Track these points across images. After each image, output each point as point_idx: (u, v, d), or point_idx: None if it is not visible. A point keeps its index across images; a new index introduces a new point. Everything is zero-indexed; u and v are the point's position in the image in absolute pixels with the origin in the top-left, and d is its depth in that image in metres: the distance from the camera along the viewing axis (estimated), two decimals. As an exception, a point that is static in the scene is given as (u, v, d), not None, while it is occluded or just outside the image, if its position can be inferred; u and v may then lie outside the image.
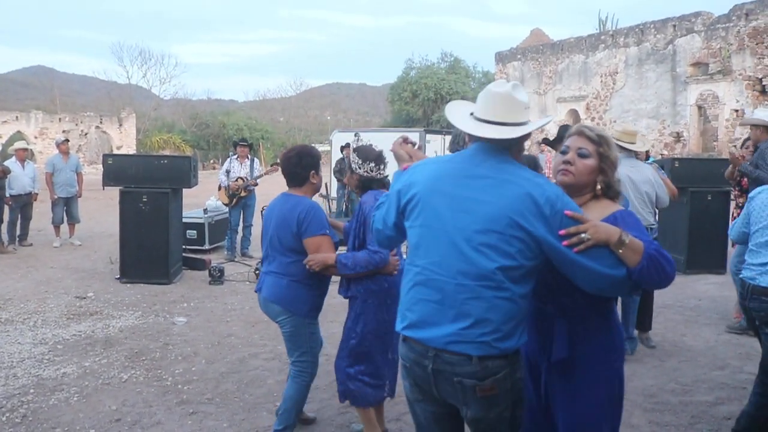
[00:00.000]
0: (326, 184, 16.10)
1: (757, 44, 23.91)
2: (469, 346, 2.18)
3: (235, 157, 10.60)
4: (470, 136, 2.35)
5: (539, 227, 2.16)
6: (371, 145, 4.01)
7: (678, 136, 26.83)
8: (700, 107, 26.25)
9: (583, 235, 2.16)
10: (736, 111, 24.49)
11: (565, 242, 2.16)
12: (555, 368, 2.42)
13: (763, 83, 23.81)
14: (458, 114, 2.40)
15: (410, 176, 2.40)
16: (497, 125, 2.27)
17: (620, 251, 2.19)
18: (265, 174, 11.13)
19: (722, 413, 4.38)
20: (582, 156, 2.43)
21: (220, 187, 10.49)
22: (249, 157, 10.69)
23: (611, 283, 2.22)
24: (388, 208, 2.48)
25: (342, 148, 14.54)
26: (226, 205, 10.48)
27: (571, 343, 2.38)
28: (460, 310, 2.19)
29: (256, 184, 10.68)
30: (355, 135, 13.68)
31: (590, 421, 2.40)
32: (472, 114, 2.36)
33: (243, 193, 10.35)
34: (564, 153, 2.47)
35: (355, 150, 3.86)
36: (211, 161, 45.22)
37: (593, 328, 2.42)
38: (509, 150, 2.32)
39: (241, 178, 10.34)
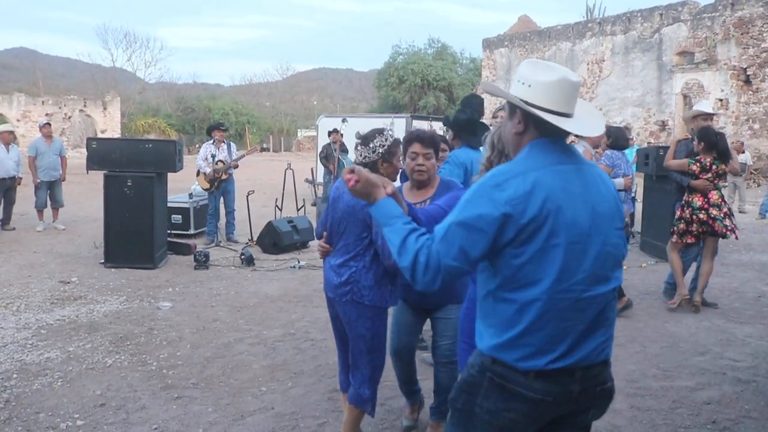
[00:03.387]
0: (312, 170, 16.08)
1: (742, 34, 24.05)
2: (607, 351, 2.13)
3: (212, 142, 10.54)
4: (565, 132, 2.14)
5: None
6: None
7: (663, 125, 27.00)
8: (685, 96, 26.40)
9: None
10: (721, 100, 24.66)
11: None
12: None
13: (748, 73, 23.99)
14: (544, 114, 2.08)
15: (516, 191, 1.99)
16: (570, 117, 2.13)
17: None
18: (247, 154, 11.06)
19: (702, 398, 4.44)
20: None
21: (198, 173, 10.42)
22: (225, 141, 10.63)
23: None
24: (472, 240, 2.00)
25: (329, 134, 14.48)
26: (205, 190, 10.41)
27: None
28: (602, 318, 2.09)
29: (237, 166, 10.64)
30: (343, 120, 13.62)
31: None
32: (526, 102, 2.09)
33: (224, 176, 10.31)
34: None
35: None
36: (197, 145, 44.85)
37: None
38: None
39: (221, 161, 10.30)
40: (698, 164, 6.53)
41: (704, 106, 7.27)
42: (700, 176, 6.53)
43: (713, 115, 7.34)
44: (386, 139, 3.37)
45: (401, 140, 3.52)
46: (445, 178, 3.72)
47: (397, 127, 16.02)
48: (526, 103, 2.08)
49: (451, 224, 2.03)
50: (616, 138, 6.81)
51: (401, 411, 4.18)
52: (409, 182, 3.66)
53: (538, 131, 2.11)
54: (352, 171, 2.25)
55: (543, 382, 2.04)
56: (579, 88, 2.15)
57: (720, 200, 6.54)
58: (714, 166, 6.50)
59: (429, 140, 3.53)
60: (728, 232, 6.45)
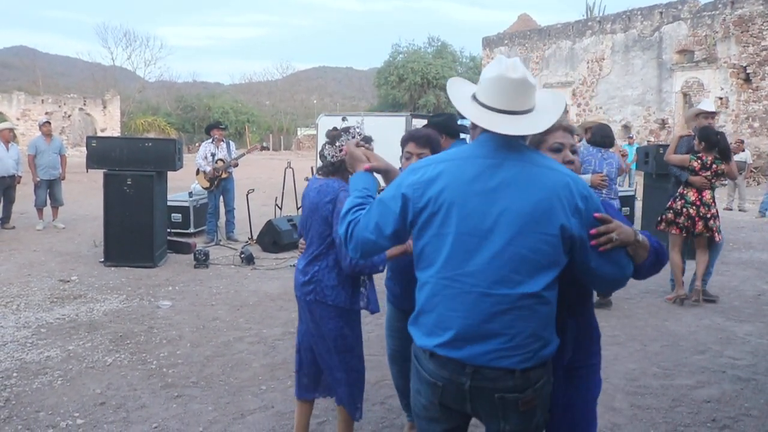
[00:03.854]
0: (312, 168, 16.07)
1: (742, 32, 24.04)
2: (512, 360, 2.05)
3: (211, 141, 10.53)
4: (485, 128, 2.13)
5: (575, 223, 2.06)
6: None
7: (663, 123, 26.99)
8: (685, 94, 26.38)
9: (613, 235, 2.08)
10: (721, 99, 24.64)
11: (593, 242, 2.08)
12: (559, 371, 2.30)
13: (748, 71, 23.97)
14: (470, 107, 2.16)
15: (421, 177, 2.11)
16: (516, 114, 2.10)
17: (637, 249, 2.16)
18: (247, 153, 11.03)
19: (702, 396, 4.44)
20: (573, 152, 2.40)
21: (198, 172, 10.41)
22: (224, 140, 10.64)
23: (623, 280, 2.19)
24: (384, 216, 2.16)
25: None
26: (205, 189, 10.41)
27: (577, 343, 2.34)
28: (501, 322, 2.04)
29: (237, 165, 10.65)
30: (343, 119, 13.61)
31: (588, 420, 2.41)
32: (475, 98, 2.16)
33: (224, 175, 10.31)
34: (558, 150, 2.37)
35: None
36: (197, 144, 44.81)
37: (590, 326, 2.44)
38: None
39: (221, 160, 10.30)
40: (699, 161, 6.59)
41: (706, 104, 7.33)
42: (700, 173, 6.57)
43: (715, 113, 7.40)
44: (353, 137, 3.26)
45: (371, 138, 3.36)
46: None
47: (396, 126, 16.05)
48: (476, 99, 2.15)
49: (375, 201, 2.23)
50: (594, 134, 6.80)
51: (400, 410, 4.17)
52: None
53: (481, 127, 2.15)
54: (359, 144, 2.73)
55: (435, 365, 2.12)
56: (525, 86, 2.10)
57: (711, 201, 6.64)
58: (714, 165, 6.55)
59: (423, 140, 3.39)
60: (707, 232, 6.60)
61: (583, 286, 2.32)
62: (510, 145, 2.10)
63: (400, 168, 3.32)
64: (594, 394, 2.43)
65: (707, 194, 6.62)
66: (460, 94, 2.21)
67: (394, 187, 2.17)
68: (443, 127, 4.51)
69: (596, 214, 2.09)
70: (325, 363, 3.39)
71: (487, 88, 2.12)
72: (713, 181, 6.62)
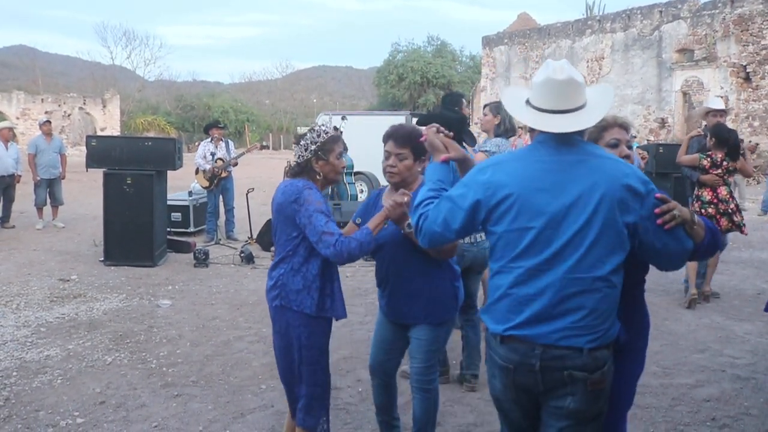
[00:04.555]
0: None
1: (742, 31, 24.03)
2: (581, 339, 2.19)
3: (210, 140, 10.54)
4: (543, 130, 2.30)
5: (638, 208, 2.21)
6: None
7: (663, 122, 26.98)
8: (685, 93, 26.38)
9: (675, 212, 2.22)
10: (721, 98, 24.59)
11: (659, 220, 2.21)
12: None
13: (747, 70, 23.96)
14: (524, 112, 2.34)
15: (491, 177, 2.27)
16: (568, 113, 2.26)
17: (693, 228, 2.28)
18: (247, 152, 11.02)
19: (702, 395, 4.45)
20: None
21: (197, 171, 10.42)
22: (223, 139, 10.65)
23: (686, 254, 2.32)
24: (452, 212, 2.31)
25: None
26: (205, 188, 10.42)
27: (627, 326, 2.42)
28: (572, 303, 2.18)
29: (236, 164, 10.67)
30: (343, 118, 13.61)
31: (627, 398, 2.58)
32: (528, 103, 2.33)
33: (224, 174, 10.32)
34: (615, 146, 2.60)
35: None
36: (196, 144, 44.79)
37: (641, 309, 2.59)
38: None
39: (221, 159, 10.31)
40: (709, 159, 6.62)
41: (715, 102, 7.37)
42: (710, 171, 6.59)
43: (724, 111, 7.43)
44: (319, 135, 3.10)
45: (339, 135, 3.20)
46: None
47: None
48: (529, 102, 2.33)
49: (443, 197, 2.37)
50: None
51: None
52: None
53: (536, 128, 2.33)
54: (439, 131, 2.71)
55: (506, 349, 2.27)
56: (572, 85, 2.25)
57: (728, 196, 6.63)
58: (725, 162, 6.56)
59: (403, 139, 3.18)
60: (735, 228, 6.62)
61: (637, 272, 2.47)
62: (569, 141, 2.27)
63: (389, 168, 3.20)
64: (637, 374, 2.58)
65: (722, 191, 6.62)
66: (514, 102, 2.40)
67: (464, 186, 2.32)
68: (461, 127, 4.46)
69: (657, 195, 2.24)
70: (291, 373, 3.15)
71: (538, 92, 2.29)
72: (725, 177, 6.63)
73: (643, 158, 7.63)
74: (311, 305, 3.03)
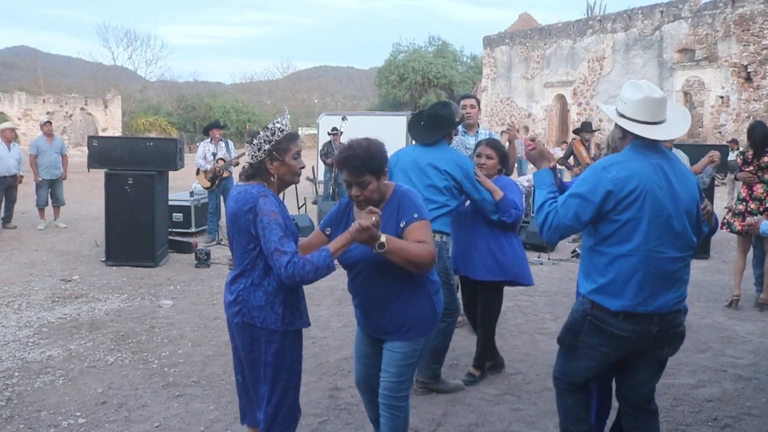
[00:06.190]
0: (313, 168, 16.08)
1: (743, 31, 24.00)
2: (682, 303, 2.88)
3: (209, 140, 10.56)
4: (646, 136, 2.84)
5: (699, 201, 2.93)
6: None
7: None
8: (686, 93, 26.37)
9: (709, 207, 3.07)
10: (722, 98, 24.62)
11: (704, 212, 3.00)
12: None
13: (749, 70, 23.93)
14: (629, 123, 2.87)
15: (617, 173, 2.75)
16: (660, 124, 2.86)
17: (711, 218, 3.16)
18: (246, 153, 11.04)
19: (704, 396, 4.44)
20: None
21: (198, 172, 10.43)
22: (222, 139, 10.66)
23: (706, 235, 3.18)
24: (583, 207, 2.79)
25: (329, 133, 14.59)
26: (206, 188, 10.43)
27: None
28: (677, 277, 2.81)
29: (237, 164, 10.66)
30: (343, 118, 13.60)
31: None
32: (622, 115, 2.89)
33: (225, 174, 10.34)
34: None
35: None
36: (197, 144, 44.93)
37: None
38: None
39: (222, 159, 10.33)
40: (742, 156, 6.69)
41: None
42: (743, 168, 6.62)
43: None
44: (273, 134, 2.83)
45: (296, 133, 2.95)
46: (402, 188, 3.05)
47: (398, 125, 16.02)
48: (623, 115, 2.88)
49: (569, 195, 2.84)
50: None
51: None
52: None
53: (633, 136, 2.86)
54: (533, 140, 3.19)
55: (629, 323, 2.79)
56: (664, 102, 2.86)
57: (765, 194, 6.62)
58: (755, 160, 6.60)
59: (357, 168, 2.86)
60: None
61: None
62: (658, 148, 2.87)
63: (355, 199, 2.95)
64: None
65: (758, 188, 6.62)
66: (613, 114, 2.96)
67: (592, 184, 2.79)
68: (447, 124, 4.48)
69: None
70: (255, 390, 2.96)
71: (638, 107, 2.84)
72: (760, 174, 6.62)
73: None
74: (276, 320, 2.82)
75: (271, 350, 2.84)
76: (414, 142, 4.56)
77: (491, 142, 4.56)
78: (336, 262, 2.77)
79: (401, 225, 2.91)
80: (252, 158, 2.85)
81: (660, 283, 2.76)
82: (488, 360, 4.75)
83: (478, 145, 4.70)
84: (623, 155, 2.85)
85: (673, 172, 2.80)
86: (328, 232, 3.11)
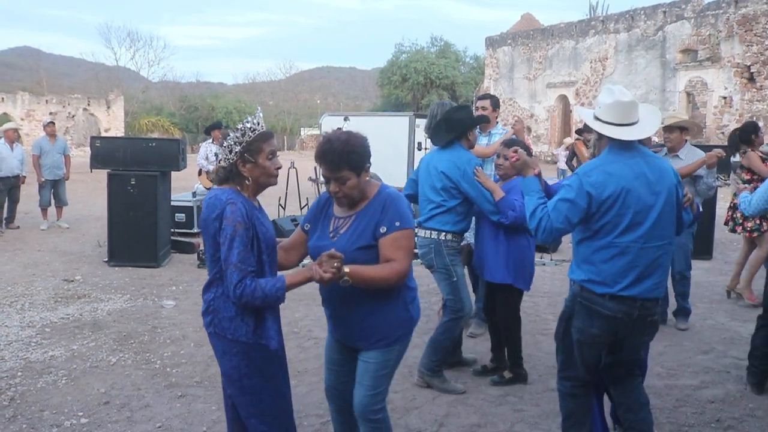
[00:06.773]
0: (315, 168, 16.07)
1: (746, 31, 23.96)
2: (660, 291, 3.15)
3: (211, 141, 10.57)
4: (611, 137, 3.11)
5: (681, 191, 3.20)
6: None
7: (667, 123, 26.91)
8: (689, 94, 26.34)
9: (690, 195, 3.33)
10: (725, 98, 24.58)
11: (686, 199, 3.27)
12: None
13: (752, 70, 23.89)
14: (600, 126, 3.13)
15: (596, 179, 3.02)
16: (632, 126, 3.10)
17: (693, 206, 3.44)
18: None
19: (706, 397, 4.44)
20: None
21: (200, 173, 10.43)
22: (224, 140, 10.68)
23: (691, 221, 3.45)
24: (572, 210, 3.04)
25: (331, 132, 14.57)
26: (209, 189, 10.44)
27: None
28: (657, 263, 3.07)
29: None
30: (345, 119, 13.60)
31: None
32: (597, 119, 3.14)
33: None
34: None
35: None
36: (200, 144, 44.97)
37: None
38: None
39: None
40: (763, 155, 6.71)
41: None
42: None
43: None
44: (243, 134, 2.65)
45: (269, 132, 2.76)
46: (387, 190, 2.91)
47: (400, 125, 16.00)
48: (598, 119, 3.13)
49: (559, 200, 3.08)
50: None
51: (404, 410, 4.18)
52: None
53: (608, 137, 3.12)
54: (516, 151, 3.53)
55: (614, 303, 3.06)
56: (633, 105, 3.11)
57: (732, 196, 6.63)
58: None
59: (334, 163, 2.74)
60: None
61: None
62: (634, 147, 3.12)
63: (334, 195, 2.86)
64: None
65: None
66: (588, 118, 3.21)
67: (576, 189, 3.04)
68: (468, 124, 4.62)
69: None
70: (235, 406, 2.82)
71: (609, 110, 3.10)
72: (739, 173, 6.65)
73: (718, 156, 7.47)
74: (247, 332, 2.66)
75: (244, 361, 2.68)
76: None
77: (510, 143, 4.54)
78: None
79: (381, 230, 2.77)
80: (225, 161, 2.69)
81: (642, 270, 3.03)
82: (510, 363, 4.74)
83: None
84: (601, 159, 3.13)
85: (648, 167, 3.06)
86: (307, 228, 3.04)
